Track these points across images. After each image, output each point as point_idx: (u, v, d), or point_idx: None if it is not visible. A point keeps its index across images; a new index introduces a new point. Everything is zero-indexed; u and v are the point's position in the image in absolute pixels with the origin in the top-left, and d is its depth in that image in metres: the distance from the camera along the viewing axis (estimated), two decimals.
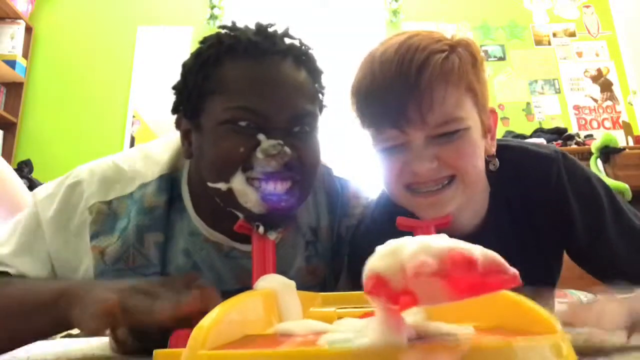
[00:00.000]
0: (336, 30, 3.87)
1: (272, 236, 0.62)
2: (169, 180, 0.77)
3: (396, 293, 0.27)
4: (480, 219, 0.81)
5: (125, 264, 0.74)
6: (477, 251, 0.29)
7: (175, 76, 0.77)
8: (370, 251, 0.68)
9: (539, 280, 0.84)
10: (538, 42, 3.82)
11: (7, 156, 3.38)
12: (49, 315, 0.62)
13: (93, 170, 0.77)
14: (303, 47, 0.74)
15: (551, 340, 0.30)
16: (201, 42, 0.74)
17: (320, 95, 0.77)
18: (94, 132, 3.49)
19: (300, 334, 0.34)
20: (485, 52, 3.76)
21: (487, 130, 0.75)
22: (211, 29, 3.64)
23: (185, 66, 0.73)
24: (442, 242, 0.30)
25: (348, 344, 0.28)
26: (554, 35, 3.84)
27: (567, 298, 2.05)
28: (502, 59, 3.76)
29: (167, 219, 0.76)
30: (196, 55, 0.72)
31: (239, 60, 0.69)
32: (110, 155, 0.82)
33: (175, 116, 0.77)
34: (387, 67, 0.68)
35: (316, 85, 0.75)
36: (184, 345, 0.33)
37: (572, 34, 3.84)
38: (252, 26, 0.73)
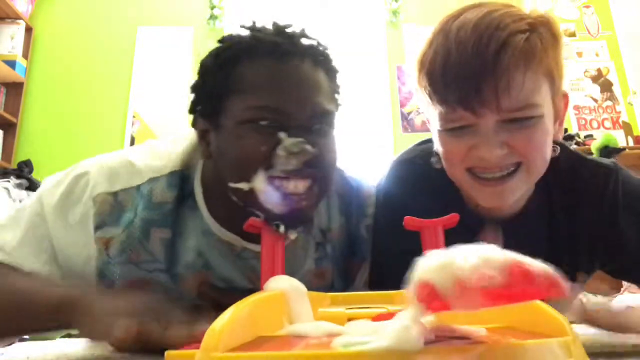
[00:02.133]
0: (336, 30, 3.87)
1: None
2: (180, 177, 0.76)
3: (433, 298, 0.28)
4: (519, 208, 0.79)
5: (129, 258, 0.73)
6: (536, 265, 0.29)
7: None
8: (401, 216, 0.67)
9: None
10: None
11: (7, 156, 3.38)
12: (46, 321, 0.63)
13: (101, 162, 0.77)
14: (321, 47, 0.74)
15: (563, 342, 0.30)
16: (220, 41, 0.74)
17: (336, 95, 0.77)
18: (94, 132, 3.49)
19: (313, 335, 0.34)
20: None
21: (557, 116, 0.72)
22: (211, 29, 3.64)
23: (204, 66, 0.73)
24: (500, 254, 0.30)
25: (363, 346, 0.28)
26: None
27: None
28: None
29: (177, 216, 0.76)
30: (215, 55, 0.72)
31: (260, 60, 0.69)
32: (119, 150, 0.82)
33: (191, 116, 0.76)
34: (463, 45, 0.65)
35: (333, 84, 0.76)
36: (196, 346, 0.33)
37: (572, 34, 3.85)
38: (269, 26, 0.73)
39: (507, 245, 0.83)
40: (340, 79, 0.77)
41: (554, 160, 0.75)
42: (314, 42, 0.73)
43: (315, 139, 0.67)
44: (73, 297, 0.62)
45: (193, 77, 0.75)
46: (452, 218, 0.57)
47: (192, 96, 0.75)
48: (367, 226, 0.87)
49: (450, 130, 0.69)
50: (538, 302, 0.35)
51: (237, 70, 0.69)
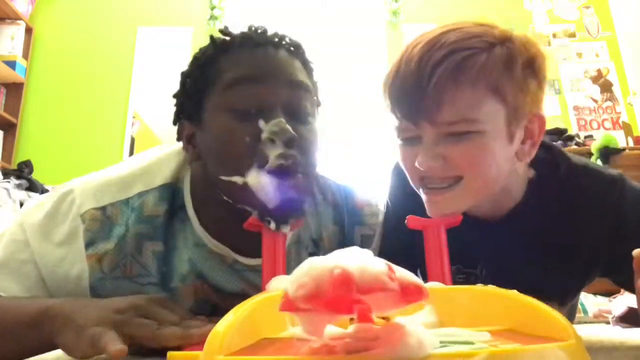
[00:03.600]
0: (336, 30, 3.87)
1: (285, 229, 0.61)
2: (170, 190, 0.76)
3: (350, 302, 0.28)
4: (504, 212, 0.79)
5: (123, 273, 0.73)
6: (356, 269, 0.29)
7: (176, 76, 0.78)
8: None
9: (547, 292, 0.84)
10: None
11: (7, 156, 3.38)
12: (30, 338, 0.62)
13: (86, 179, 0.76)
14: (297, 44, 0.75)
15: (567, 346, 0.30)
16: (198, 51, 0.75)
17: (314, 89, 0.76)
18: (94, 132, 3.49)
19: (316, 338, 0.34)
20: None
21: (528, 137, 0.73)
22: (211, 30, 3.64)
23: (184, 73, 0.75)
24: (330, 261, 0.30)
25: (365, 352, 0.28)
26: (554, 36, 3.85)
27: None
28: None
29: (169, 229, 0.75)
30: (193, 61, 0.74)
31: (233, 54, 0.71)
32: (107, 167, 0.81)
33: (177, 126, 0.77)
34: (409, 63, 0.70)
35: (310, 78, 0.76)
36: (198, 347, 0.33)
37: (572, 35, 3.85)
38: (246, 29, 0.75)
39: (490, 247, 0.83)
40: (316, 76, 0.78)
41: (553, 168, 0.77)
42: (290, 39, 0.74)
43: (293, 125, 0.66)
44: (51, 308, 0.60)
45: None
46: (456, 217, 0.57)
47: (175, 106, 0.76)
48: (364, 235, 0.88)
49: (402, 141, 0.74)
50: (541, 305, 0.35)
51: (213, 67, 0.71)
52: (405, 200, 0.83)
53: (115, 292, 0.70)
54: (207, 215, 0.76)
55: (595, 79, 3.72)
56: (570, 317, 0.93)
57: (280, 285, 0.44)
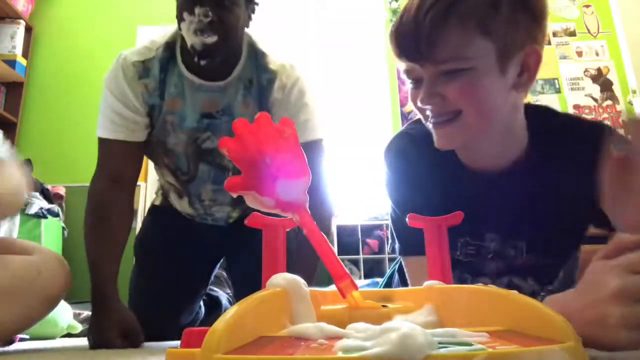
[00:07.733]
0: (336, 30, 3.87)
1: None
2: (170, 45, 1.32)
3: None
4: (507, 164, 0.87)
5: (155, 91, 1.30)
6: None
7: None
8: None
9: (552, 243, 0.89)
10: None
11: None
12: None
13: (128, 50, 1.33)
14: None
15: (567, 348, 0.29)
16: None
17: None
18: (93, 132, 3.46)
19: (314, 338, 0.34)
20: None
21: (525, 69, 0.78)
22: None
23: None
24: None
25: (363, 352, 0.28)
26: (554, 34, 3.85)
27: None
28: None
29: (167, 65, 1.31)
30: None
31: None
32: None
33: None
34: (409, 10, 0.77)
35: None
36: (197, 344, 0.33)
37: (572, 34, 3.85)
38: None
39: (497, 197, 0.87)
40: None
41: (545, 120, 0.86)
42: None
43: (217, 10, 1.18)
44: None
45: None
46: (456, 216, 0.57)
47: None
48: (269, 80, 1.31)
49: (411, 83, 0.82)
50: (540, 305, 0.34)
51: None
52: (411, 169, 0.92)
53: (158, 106, 1.31)
54: (186, 59, 1.30)
55: (595, 78, 3.72)
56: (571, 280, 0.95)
57: (279, 283, 0.44)
